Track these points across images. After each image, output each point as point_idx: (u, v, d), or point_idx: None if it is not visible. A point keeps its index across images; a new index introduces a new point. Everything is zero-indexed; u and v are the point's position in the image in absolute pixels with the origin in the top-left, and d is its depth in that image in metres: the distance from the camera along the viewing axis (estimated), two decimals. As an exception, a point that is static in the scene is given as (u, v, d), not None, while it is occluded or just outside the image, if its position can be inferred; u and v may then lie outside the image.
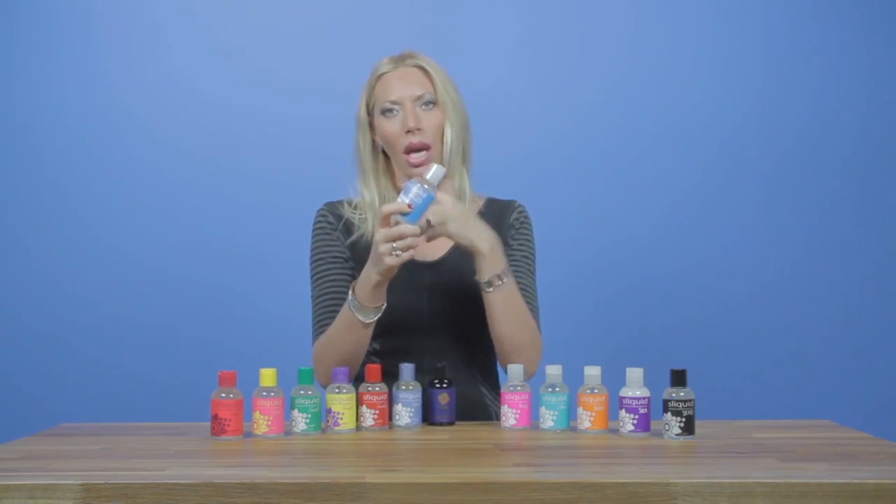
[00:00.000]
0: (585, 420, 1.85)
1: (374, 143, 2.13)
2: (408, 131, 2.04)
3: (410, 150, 2.04)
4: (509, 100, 3.06)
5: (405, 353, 2.04)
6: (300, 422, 1.84)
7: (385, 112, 2.07)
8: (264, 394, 1.83)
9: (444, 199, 1.92)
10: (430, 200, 1.87)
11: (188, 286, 3.06)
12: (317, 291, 2.09)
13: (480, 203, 2.17)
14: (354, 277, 2.03)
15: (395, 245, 1.85)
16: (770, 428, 1.91)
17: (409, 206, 1.85)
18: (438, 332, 2.06)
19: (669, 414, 1.78)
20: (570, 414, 1.88)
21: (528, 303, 2.04)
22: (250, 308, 3.06)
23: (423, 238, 1.91)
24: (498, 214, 2.11)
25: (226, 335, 3.04)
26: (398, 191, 2.10)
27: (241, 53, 3.10)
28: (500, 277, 1.96)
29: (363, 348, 2.00)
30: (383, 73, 2.10)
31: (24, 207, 3.08)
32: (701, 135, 3.08)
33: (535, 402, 1.90)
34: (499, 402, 2.01)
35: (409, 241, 1.86)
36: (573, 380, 1.89)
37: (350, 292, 1.95)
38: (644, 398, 1.81)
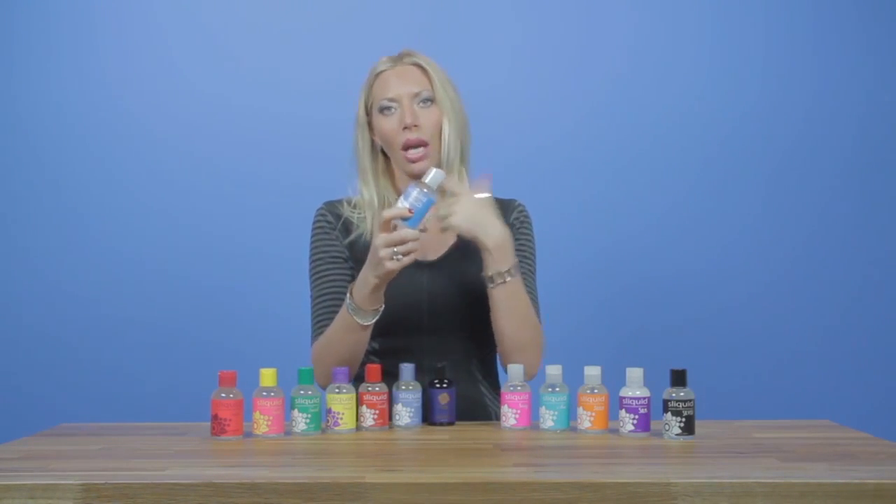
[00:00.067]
0: (585, 420, 1.85)
1: (373, 143, 2.13)
2: (405, 128, 2.04)
3: (408, 146, 2.05)
4: (509, 100, 3.05)
5: (405, 352, 2.04)
6: (300, 422, 1.84)
7: (383, 110, 2.08)
8: (264, 394, 1.83)
9: (462, 192, 1.95)
10: (430, 204, 1.87)
11: (188, 286, 3.06)
12: (316, 291, 2.09)
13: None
14: (353, 277, 2.03)
15: (395, 249, 1.85)
16: (770, 428, 1.91)
17: (410, 210, 1.85)
18: (438, 332, 2.06)
19: (669, 414, 1.78)
20: (570, 414, 1.88)
21: (529, 302, 2.04)
22: (250, 308, 3.06)
23: (422, 239, 1.92)
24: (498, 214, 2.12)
25: (226, 335, 3.04)
26: (398, 191, 2.10)
27: (241, 53, 3.10)
28: (504, 274, 1.96)
29: (362, 349, 2.00)
30: (381, 72, 2.11)
31: (24, 207, 3.08)
32: (701, 135, 3.08)
33: (535, 402, 1.90)
34: (499, 402, 2.01)
35: (409, 245, 1.86)
36: (573, 380, 1.89)
37: (348, 295, 1.95)
38: (644, 398, 1.81)
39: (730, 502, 1.41)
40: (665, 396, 1.79)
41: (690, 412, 1.78)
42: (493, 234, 1.96)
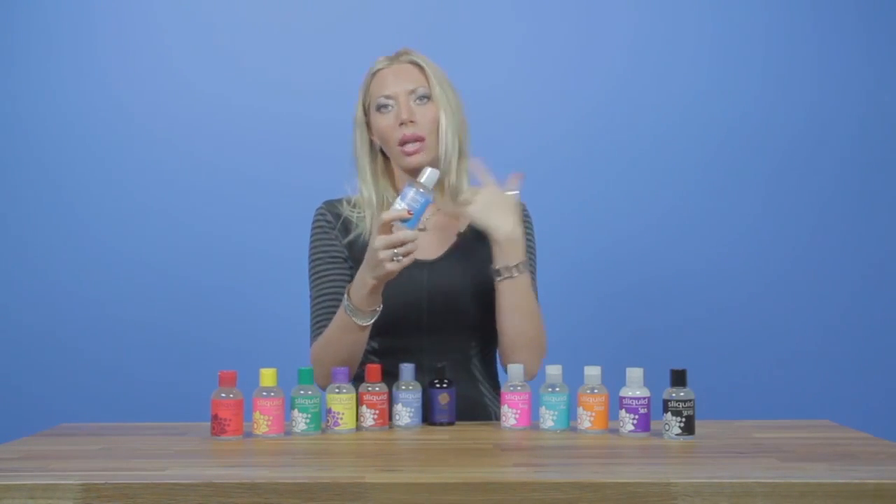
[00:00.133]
0: (585, 420, 1.85)
1: (371, 143, 2.14)
2: (401, 123, 2.05)
3: (404, 141, 2.05)
4: (509, 100, 3.05)
5: (404, 352, 2.04)
6: (300, 422, 1.84)
7: (380, 108, 2.08)
8: (264, 394, 1.83)
9: (489, 183, 1.99)
10: (426, 204, 1.87)
11: (188, 286, 3.06)
12: (315, 292, 2.09)
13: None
14: (353, 277, 2.03)
15: (396, 251, 1.85)
16: (770, 428, 1.91)
17: (409, 212, 1.85)
18: (438, 332, 2.06)
19: (669, 414, 1.78)
20: (570, 414, 1.88)
21: (529, 301, 2.04)
22: (250, 308, 3.06)
23: (423, 238, 1.92)
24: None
25: (226, 335, 3.04)
26: (397, 191, 2.10)
27: (240, 53, 3.10)
28: (512, 269, 1.98)
29: (360, 349, 2.00)
30: (378, 70, 2.12)
31: (24, 207, 3.08)
32: (701, 135, 3.08)
33: (535, 402, 1.90)
34: (499, 402, 2.01)
35: (409, 246, 1.86)
36: (573, 380, 1.89)
37: (345, 296, 1.95)
38: (644, 398, 1.81)
39: (730, 502, 1.41)
40: (665, 396, 1.79)
41: (690, 412, 1.78)
42: (504, 228, 1.98)
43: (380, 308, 1.95)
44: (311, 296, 2.11)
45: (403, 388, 1.91)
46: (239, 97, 3.08)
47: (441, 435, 1.85)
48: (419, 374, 1.94)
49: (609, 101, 3.09)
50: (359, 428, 1.89)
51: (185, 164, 3.08)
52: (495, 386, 2.15)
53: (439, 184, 2.10)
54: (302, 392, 1.85)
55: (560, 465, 1.62)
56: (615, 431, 1.84)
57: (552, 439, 1.81)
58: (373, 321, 1.96)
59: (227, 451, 1.73)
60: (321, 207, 2.16)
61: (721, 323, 3.06)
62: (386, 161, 2.15)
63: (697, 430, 1.79)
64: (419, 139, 2.05)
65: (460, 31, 3.08)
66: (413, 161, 2.04)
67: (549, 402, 1.87)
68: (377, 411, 1.89)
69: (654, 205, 3.07)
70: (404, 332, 2.06)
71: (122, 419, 2.24)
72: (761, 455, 1.64)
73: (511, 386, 1.90)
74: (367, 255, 1.89)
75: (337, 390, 1.88)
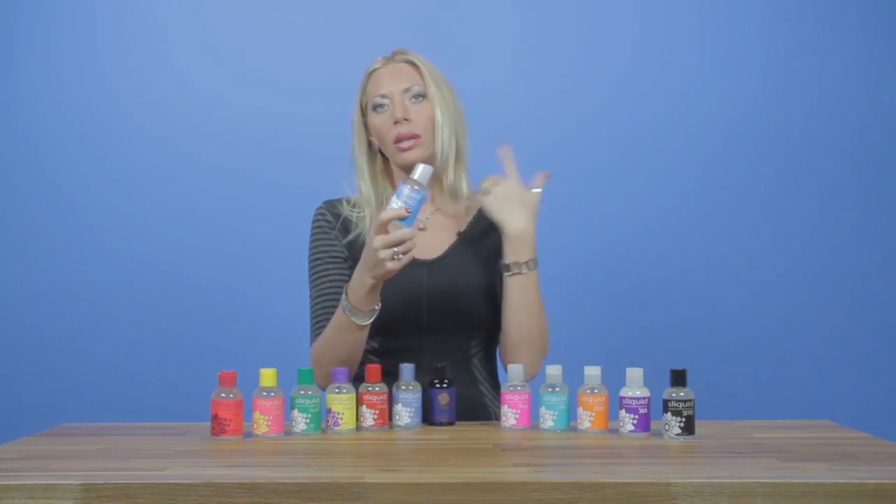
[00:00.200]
0: (585, 420, 1.85)
1: (370, 143, 2.14)
2: (395, 122, 2.05)
3: (399, 139, 2.05)
4: (509, 100, 3.05)
5: (404, 351, 2.04)
6: (300, 422, 1.84)
7: (376, 107, 2.09)
8: (264, 394, 1.83)
9: (512, 176, 2.01)
10: (422, 200, 1.87)
11: (188, 286, 3.06)
12: (315, 292, 2.10)
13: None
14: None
15: (395, 249, 1.85)
16: (770, 428, 1.91)
17: (407, 210, 1.85)
18: (438, 331, 2.06)
19: (669, 414, 1.78)
20: (570, 414, 1.88)
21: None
22: (250, 308, 3.06)
23: (422, 238, 1.92)
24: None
25: (226, 335, 3.04)
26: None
27: (241, 53, 3.10)
28: (521, 265, 1.99)
29: (360, 348, 2.00)
30: (374, 70, 2.13)
31: (24, 207, 3.08)
32: (701, 135, 3.08)
33: (535, 402, 1.90)
34: (499, 402, 2.01)
35: (408, 244, 1.86)
36: (573, 380, 1.89)
37: (343, 296, 1.95)
38: (644, 398, 1.81)
39: (730, 502, 1.41)
40: (665, 396, 1.79)
41: (690, 412, 1.78)
42: (517, 223, 1.99)
43: (378, 307, 1.95)
44: (310, 296, 2.11)
45: (403, 388, 1.91)
46: (239, 97, 3.08)
47: (441, 435, 1.85)
48: (419, 374, 1.94)
49: (609, 100, 3.09)
50: (359, 428, 1.89)
51: (185, 164, 3.08)
52: (495, 386, 2.15)
53: (438, 183, 2.10)
54: (302, 392, 1.85)
55: (560, 465, 1.62)
56: (615, 431, 1.84)
57: (552, 439, 1.81)
58: (371, 320, 1.96)
59: (227, 451, 1.73)
60: (321, 207, 2.16)
61: (721, 323, 3.05)
62: (385, 161, 2.15)
63: (697, 430, 1.79)
64: (414, 136, 2.06)
65: (460, 31, 3.08)
66: (408, 157, 2.04)
67: (549, 402, 1.87)
68: (377, 411, 1.89)
69: (654, 205, 3.07)
70: (404, 332, 2.06)
71: (122, 419, 2.24)
72: (761, 455, 1.64)
73: (511, 386, 1.90)
74: (365, 255, 1.89)
75: (337, 390, 1.88)
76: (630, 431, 1.81)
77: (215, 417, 1.81)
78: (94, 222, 3.07)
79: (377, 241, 1.85)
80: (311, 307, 2.09)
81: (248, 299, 3.06)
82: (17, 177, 3.08)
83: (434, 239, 2.10)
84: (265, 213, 3.07)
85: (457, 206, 2.13)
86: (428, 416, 1.94)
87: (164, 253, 3.06)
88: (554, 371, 1.89)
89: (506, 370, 1.96)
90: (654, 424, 1.83)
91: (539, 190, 2.04)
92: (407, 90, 2.08)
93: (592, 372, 1.87)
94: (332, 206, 2.15)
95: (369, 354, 2.07)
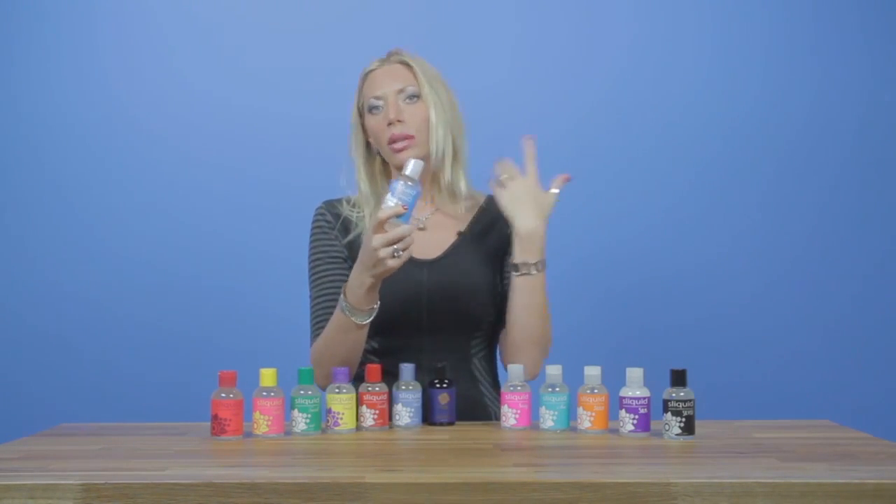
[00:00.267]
0: (585, 420, 1.85)
1: (368, 144, 2.15)
2: (389, 123, 2.06)
3: (393, 140, 2.06)
4: (509, 100, 3.05)
5: (404, 351, 2.04)
6: (300, 422, 1.84)
7: (371, 109, 2.10)
8: (264, 394, 1.83)
9: (531, 174, 2.02)
10: (416, 196, 1.87)
11: (188, 286, 3.06)
12: (315, 292, 2.10)
13: (481, 200, 2.18)
14: (352, 277, 2.03)
15: (395, 247, 1.85)
16: (770, 428, 1.91)
17: (404, 207, 1.85)
18: (438, 331, 2.06)
19: (669, 414, 1.78)
20: (570, 414, 1.88)
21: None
22: (250, 308, 3.06)
23: (422, 237, 1.92)
24: (498, 212, 2.11)
25: (226, 335, 3.04)
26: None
27: (241, 53, 3.10)
28: (530, 266, 2.00)
29: (359, 348, 2.00)
30: (370, 72, 2.14)
31: (24, 207, 3.08)
32: (701, 135, 3.08)
33: (535, 402, 1.90)
34: (499, 401, 2.01)
35: (407, 240, 1.86)
36: (573, 380, 1.89)
37: (342, 296, 1.95)
38: (644, 398, 1.81)
39: (730, 502, 1.41)
40: (665, 396, 1.79)
41: (690, 412, 1.78)
42: (527, 222, 1.99)
43: (377, 306, 1.95)
44: (310, 296, 2.11)
45: (403, 388, 1.91)
46: (239, 97, 3.08)
47: (441, 435, 1.85)
48: (419, 374, 1.94)
49: (609, 100, 3.09)
50: (359, 428, 1.89)
51: (185, 164, 3.08)
52: (495, 386, 2.15)
53: (437, 183, 2.11)
54: (302, 392, 1.85)
55: (560, 465, 1.62)
56: (615, 431, 1.84)
57: (552, 439, 1.81)
58: (370, 319, 1.96)
59: (227, 451, 1.73)
60: (320, 207, 2.16)
61: (721, 323, 3.05)
62: (384, 162, 2.16)
63: (697, 430, 1.79)
64: (407, 137, 2.06)
65: (460, 31, 3.08)
66: (403, 158, 2.04)
67: (549, 402, 1.87)
68: (377, 411, 1.89)
69: (654, 205, 3.07)
70: (404, 332, 2.06)
71: (122, 419, 2.24)
72: (761, 455, 1.64)
73: (511, 386, 1.90)
74: (363, 255, 1.88)
75: (337, 390, 1.88)
76: (630, 431, 1.81)
77: (215, 417, 1.81)
78: (94, 222, 3.07)
79: (376, 240, 1.85)
80: (311, 307, 2.09)
81: (248, 299, 3.06)
82: (17, 177, 3.08)
83: (434, 238, 2.10)
84: (265, 213, 3.07)
85: (456, 205, 2.13)
86: (428, 416, 1.94)
87: (164, 253, 3.06)
88: (554, 371, 1.89)
89: (506, 370, 1.96)
90: (654, 424, 1.83)
91: (556, 191, 2.04)
92: (401, 91, 2.08)
93: (592, 372, 1.87)
94: (331, 206, 2.15)
95: (369, 354, 2.07)
